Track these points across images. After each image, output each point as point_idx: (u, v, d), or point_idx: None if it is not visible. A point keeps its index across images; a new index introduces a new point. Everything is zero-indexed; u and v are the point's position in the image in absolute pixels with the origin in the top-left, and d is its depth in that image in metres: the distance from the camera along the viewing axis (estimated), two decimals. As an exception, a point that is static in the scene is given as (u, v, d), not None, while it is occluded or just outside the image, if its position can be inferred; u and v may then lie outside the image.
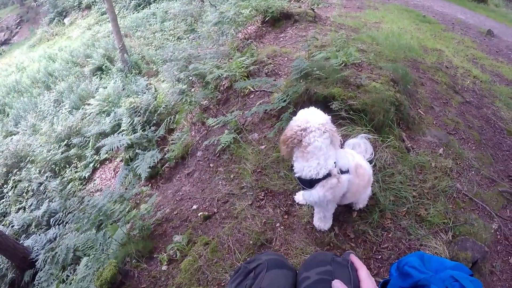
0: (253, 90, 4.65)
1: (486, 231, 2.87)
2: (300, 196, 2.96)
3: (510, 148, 4.17)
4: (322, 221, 2.71)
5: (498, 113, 4.84)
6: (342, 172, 2.28)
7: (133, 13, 17.00)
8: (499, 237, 2.93)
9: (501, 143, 4.22)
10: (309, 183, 2.25)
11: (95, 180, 7.00)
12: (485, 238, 2.81)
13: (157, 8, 15.65)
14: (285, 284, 1.29)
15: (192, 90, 5.74)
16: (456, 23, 9.39)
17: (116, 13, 13.40)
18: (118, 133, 6.20)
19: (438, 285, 1.57)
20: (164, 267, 3.08)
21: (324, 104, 3.40)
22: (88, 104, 8.74)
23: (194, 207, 3.64)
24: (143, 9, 17.06)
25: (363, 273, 1.24)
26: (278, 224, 2.93)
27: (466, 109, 4.64)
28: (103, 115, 8.24)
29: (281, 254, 1.53)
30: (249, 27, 6.88)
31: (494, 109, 4.92)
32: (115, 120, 7.14)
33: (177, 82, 5.96)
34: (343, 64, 4.04)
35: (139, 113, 6.18)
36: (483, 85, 5.58)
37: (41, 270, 4.69)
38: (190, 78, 5.60)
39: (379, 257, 2.60)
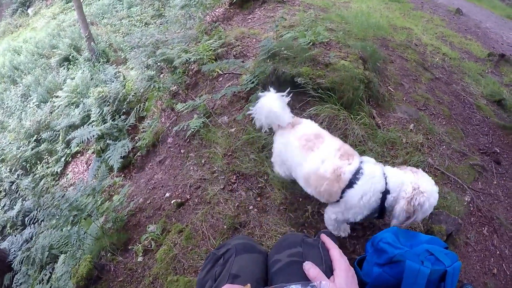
0: (221, 72, 4.56)
1: (459, 204, 2.93)
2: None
3: (480, 122, 4.25)
4: None
5: (467, 89, 4.92)
6: None
7: (99, 0, 16.39)
8: (472, 209, 2.99)
9: (470, 118, 4.29)
10: None
11: (67, 174, 6.78)
12: (459, 210, 2.87)
13: (123, -7, 15.15)
14: (255, 268, 1.26)
15: (161, 76, 5.62)
16: (425, 2, 9.48)
17: (81, 1, 12.95)
18: (88, 125, 6.00)
19: (413, 259, 1.57)
20: (140, 258, 3.02)
21: (292, 83, 3.36)
22: (56, 97, 8.43)
23: (167, 195, 3.58)
24: (109, -6, 16.44)
25: (335, 253, 1.20)
26: (251, 207, 2.90)
27: (435, 85, 4.69)
28: (72, 107, 7.93)
29: (250, 238, 1.50)
30: (216, 10, 6.78)
31: (464, 85, 5.00)
32: (84, 111, 6.91)
33: (145, 68, 5.82)
34: (312, 43, 4.00)
35: (108, 103, 6.01)
36: (452, 62, 5.66)
37: (18, 272, 4.55)
38: (159, 63, 5.49)
39: (354, 234, 2.60)
